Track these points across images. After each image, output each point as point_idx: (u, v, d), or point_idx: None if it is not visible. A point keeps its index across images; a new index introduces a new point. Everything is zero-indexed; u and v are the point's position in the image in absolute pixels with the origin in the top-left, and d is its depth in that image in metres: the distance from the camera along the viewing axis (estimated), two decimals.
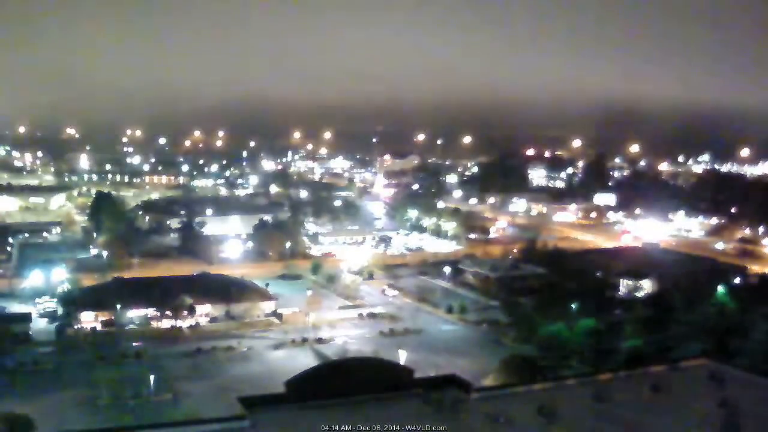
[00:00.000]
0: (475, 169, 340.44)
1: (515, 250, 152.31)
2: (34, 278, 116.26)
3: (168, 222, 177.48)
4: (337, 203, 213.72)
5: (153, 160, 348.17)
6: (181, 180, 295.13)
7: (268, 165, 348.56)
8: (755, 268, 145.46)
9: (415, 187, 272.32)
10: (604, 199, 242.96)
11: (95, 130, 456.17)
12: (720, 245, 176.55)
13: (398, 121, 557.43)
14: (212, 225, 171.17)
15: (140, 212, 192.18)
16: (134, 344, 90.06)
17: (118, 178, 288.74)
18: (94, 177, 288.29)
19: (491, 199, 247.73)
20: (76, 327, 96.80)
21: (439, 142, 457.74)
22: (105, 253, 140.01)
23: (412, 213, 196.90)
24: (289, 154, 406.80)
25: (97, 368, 79.08)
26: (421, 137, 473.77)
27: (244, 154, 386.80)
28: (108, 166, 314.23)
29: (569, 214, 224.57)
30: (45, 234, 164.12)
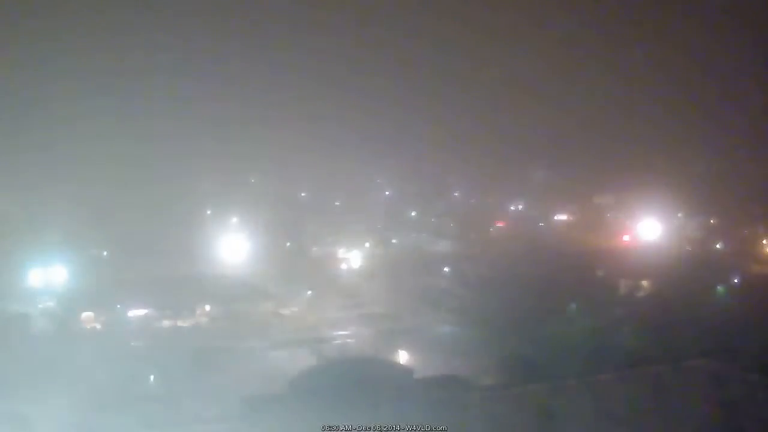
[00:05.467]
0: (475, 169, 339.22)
1: (515, 250, 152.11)
2: (34, 278, 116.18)
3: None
4: (337, 203, 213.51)
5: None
6: None
7: None
8: (755, 268, 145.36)
9: (415, 187, 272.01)
10: (604, 198, 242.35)
11: None
12: (720, 245, 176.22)
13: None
14: (212, 224, 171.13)
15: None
16: (134, 344, 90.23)
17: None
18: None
19: (491, 199, 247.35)
20: (76, 327, 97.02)
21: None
22: (105, 253, 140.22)
23: (412, 213, 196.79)
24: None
25: (97, 368, 79.08)
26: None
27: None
28: None
29: (569, 213, 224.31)
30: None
